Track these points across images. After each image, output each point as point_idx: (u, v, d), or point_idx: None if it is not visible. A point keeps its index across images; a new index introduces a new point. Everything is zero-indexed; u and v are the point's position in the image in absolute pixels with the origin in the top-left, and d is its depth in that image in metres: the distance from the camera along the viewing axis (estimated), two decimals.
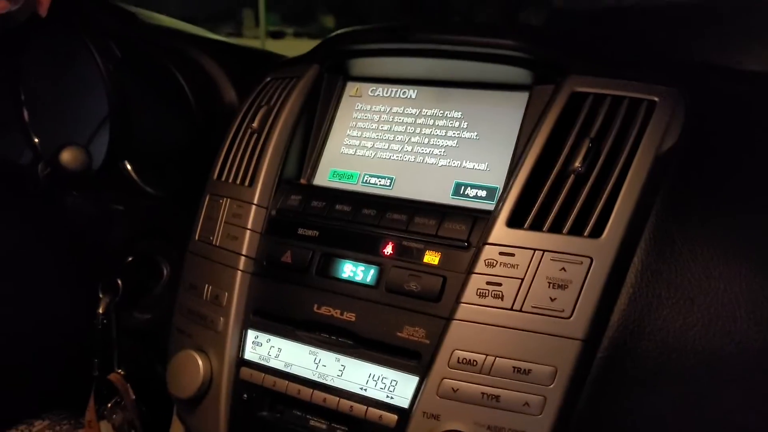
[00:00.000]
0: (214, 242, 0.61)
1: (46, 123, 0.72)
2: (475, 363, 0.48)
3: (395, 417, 0.50)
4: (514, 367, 0.47)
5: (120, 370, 0.69)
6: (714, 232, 0.47)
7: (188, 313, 0.61)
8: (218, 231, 0.61)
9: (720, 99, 0.54)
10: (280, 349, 0.56)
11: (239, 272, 0.58)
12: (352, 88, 0.64)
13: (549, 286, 0.47)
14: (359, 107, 0.63)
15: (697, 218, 0.48)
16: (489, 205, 0.53)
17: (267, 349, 0.56)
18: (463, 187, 0.56)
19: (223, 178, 0.63)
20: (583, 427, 0.45)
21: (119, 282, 0.68)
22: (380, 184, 0.59)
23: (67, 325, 0.74)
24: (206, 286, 0.60)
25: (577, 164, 0.50)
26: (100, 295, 0.68)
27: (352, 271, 0.55)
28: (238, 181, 0.62)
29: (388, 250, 0.54)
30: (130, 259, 0.71)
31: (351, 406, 0.52)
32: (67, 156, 0.63)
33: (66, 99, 0.72)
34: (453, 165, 0.58)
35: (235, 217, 0.60)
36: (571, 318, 0.46)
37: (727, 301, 0.44)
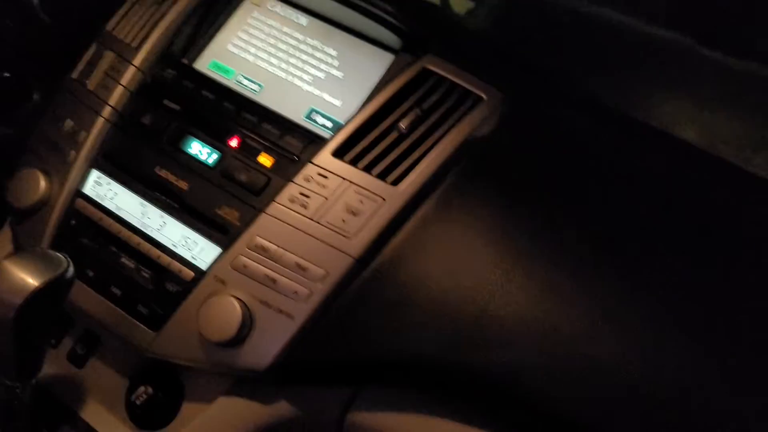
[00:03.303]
0: (88, 86, 0.67)
1: None
2: (268, 250, 0.58)
3: (192, 273, 0.60)
4: (296, 263, 0.58)
5: None
6: (480, 212, 0.59)
7: (45, 139, 0.67)
8: (95, 78, 0.67)
9: (538, 117, 0.66)
10: (116, 194, 0.64)
11: (102, 119, 0.65)
12: None
13: (345, 210, 0.58)
14: (255, 15, 0.71)
15: (473, 197, 0.60)
16: (329, 135, 0.63)
17: (105, 190, 0.64)
18: (314, 113, 0.66)
19: (115, 32, 0.69)
20: (330, 323, 0.57)
21: None
22: (249, 87, 0.68)
23: None
24: (68, 120, 0.66)
25: (402, 125, 0.61)
26: None
27: (199, 150, 0.63)
28: (127, 40, 0.68)
29: (234, 142, 0.63)
30: (6, 74, 0.75)
31: (159, 255, 0.61)
32: None
33: None
34: (314, 93, 0.67)
35: (113, 71, 0.67)
36: (353, 240, 0.58)
37: (470, 261, 0.57)
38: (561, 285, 0.55)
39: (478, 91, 0.63)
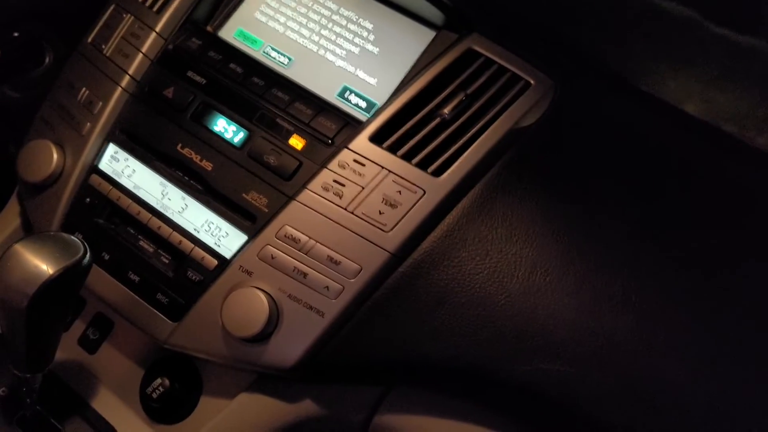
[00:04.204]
0: (104, 52, 0.62)
1: None
2: (298, 241, 0.54)
3: (215, 262, 0.56)
4: (328, 256, 0.54)
5: None
6: (526, 208, 0.55)
7: (58, 108, 0.62)
8: (112, 43, 0.62)
9: (588, 106, 0.62)
10: (134, 171, 0.60)
11: (120, 89, 0.61)
12: None
13: (382, 201, 0.54)
14: None
15: (519, 191, 0.56)
16: (363, 116, 0.59)
17: (122, 166, 0.60)
18: (348, 92, 0.61)
19: None
20: (363, 320, 0.54)
21: None
22: (278, 60, 0.63)
23: None
24: (84, 89, 0.62)
25: (445, 110, 0.56)
26: None
27: (225, 127, 0.59)
28: (147, 3, 0.63)
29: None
30: (15, 34, 0.70)
31: (180, 241, 0.57)
32: None
33: None
34: (348, 69, 0.62)
35: (132, 37, 0.62)
36: (390, 233, 0.54)
37: (514, 263, 0.53)
38: (617, 292, 0.51)
39: (526, 76, 0.58)
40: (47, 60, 0.73)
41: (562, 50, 0.70)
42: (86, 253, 0.48)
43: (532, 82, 0.58)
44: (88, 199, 0.60)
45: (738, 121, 0.72)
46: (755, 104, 0.72)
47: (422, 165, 0.55)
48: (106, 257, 0.58)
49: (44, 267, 0.46)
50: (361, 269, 0.53)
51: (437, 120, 0.56)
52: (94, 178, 0.60)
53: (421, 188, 0.54)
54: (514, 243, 0.54)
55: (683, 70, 0.75)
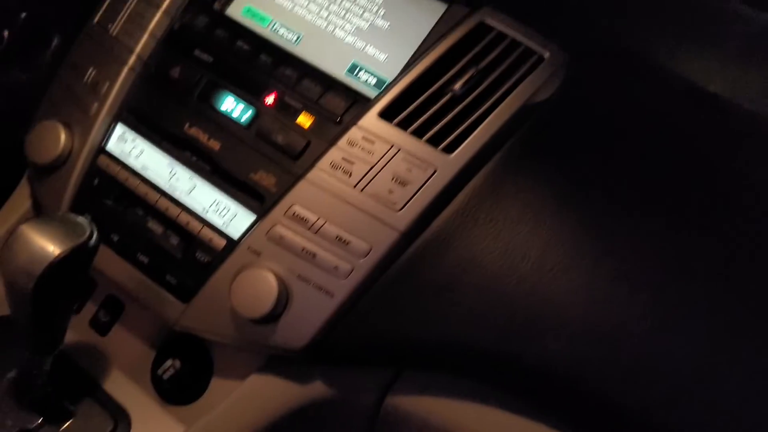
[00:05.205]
0: (111, 32, 0.62)
1: None
2: (307, 220, 0.54)
3: (224, 243, 0.55)
4: (337, 236, 0.53)
5: None
6: (539, 186, 0.54)
7: (66, 89, 0.62)
8: (119, 23, 0.62)
9: (603, 80, 0.60)
10: (142, 151, 0.59)
11: (126, 68, 0.60)
12: None
13: (392, 180, 0.53)
14: None
15: (532, 169, 0.54)
16: (373, 93, 0.57)
17: (130, 147, 0.59)
18: (358, 69, 0.60)
19: None
20: (373, 300, 0.53)
21: (5, 33, 0.67)
22: (287, 38, 0.62)
23: None
24: (90, 69, 0.61)
25: (456, 86, 0.55)
26: None
27: (232, 106, 0.58)
28: None
29: (270, 100, 0.58)
30: (23, 15, 0.70)
31: (189, 221, 0.57)
32: None
33: None
34: (357, 46, 0.61)
35: (138, 16, 0.61)
36: (400, 212, 0.53)
37: (525, 243, 0.52)
38: (634, 273, 0.49)
39: (540, 50, 0.56)
40: (55, 42, 0.72)
41: (576, 26, 0.68)
42: (93, 234, 0.48)
43: (545, 56, 0.56)
44: (96, 181, 0.59)
45: (761, 100, 0.70)
46: None
47: (433, 141, 0.54)
48: (115, 238, 0.58)
49: (50, 248, 0.46)
50: (371, 249, 0.52)
51: (448, 95, 0.55)
52: (102, 159, 0.59)
53: (432, 165, 0.53)
54: (527, 222, 0.53)
55: (706, 49, 0.73)
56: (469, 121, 0.54)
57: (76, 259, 0.47)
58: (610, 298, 0.49)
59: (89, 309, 0.63)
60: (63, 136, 0.59)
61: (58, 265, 0.46)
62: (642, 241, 0.52)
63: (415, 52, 0.58)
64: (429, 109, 0.55)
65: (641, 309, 0.49)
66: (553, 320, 0.50)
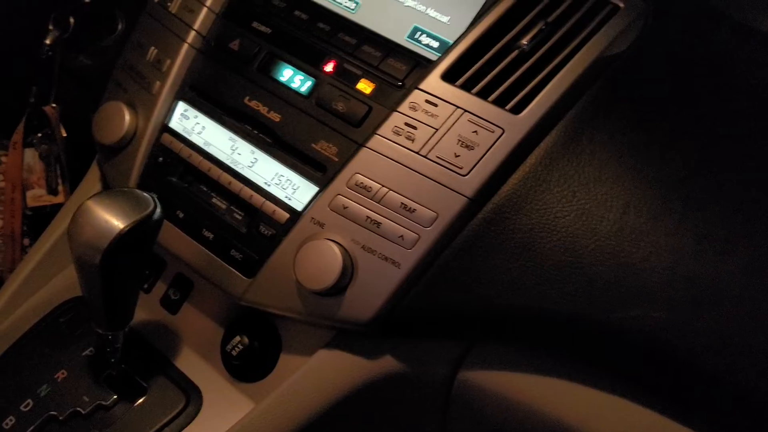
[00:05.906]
0: (170, 9, 0.61)
1: None
2: (370, 189, 0.52)
3: (287, 215, 0.54)
4: (402, 203, 0.51)
5: (54, 104, 0.71)
6: (617, 145, 0.50)
7: (129, 69, 0.62)
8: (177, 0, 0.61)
9: (682, 32, 0.56)
10: (204, 127, 0.59)
11: (186, 45, 0.60)
12: None
13: (458, 143, 0.51)
14: None
15: (608, 127, 0.51)
16: (436, 57, 0.55)
17: (192, 123, 0.59)
18: (419, 33, 0.58)
19: None
20: (441, 271, 0.50)
21: (71, 20, 0.68)
22: (344, 5, 0.60)
23: (12, 46, 0.74)
24: (152, 48, 0.61)
25: (524, 41, 0.52)
26: (50, 27, 0.69)
27: (291, 76, 0.57)
28: None
29: (329, 67, 0.56)
30: (87, 1, 0.71)
31: (251, 195, 0.56)
32: None
33: None
34: (418, 9, 0.58)
35: None
36: (467, 177, 0.50)
37: (603, 204, 0.49)
38: (721, 233, 0.45)
39: None
40: (120, 27, 0.73)
41: None
42: (156, 208, 0.47)
43: (621, 5, 0.53)
44: (161, 158, 0.59)
45: None
46: None
47: (500, 102, 0.51)
48: (181, 215, 0.58)
49: (115, 222, 0.46)
50: (438, 216, 0.50)
51: (515, 52, 0.52)
52: (166, 137, 0.59)
53: (500, 127, 0.50)
54: (604, 182, 0.49)
55: None
56: (538, 78, 0.51)
57: (142, 233, 0.47)
58: (695, 260, 0.45)
59: (160, 288, 0.63)
60: (127, 116, 0.60)
61: (124, 238, 0.46)
62: (734, 200, 0.47)
63: (479, 11, 0.55)
64: (495, 68, 0.52)
65: (730, 273, 0.45)
66: (635, 284, 0.46)
